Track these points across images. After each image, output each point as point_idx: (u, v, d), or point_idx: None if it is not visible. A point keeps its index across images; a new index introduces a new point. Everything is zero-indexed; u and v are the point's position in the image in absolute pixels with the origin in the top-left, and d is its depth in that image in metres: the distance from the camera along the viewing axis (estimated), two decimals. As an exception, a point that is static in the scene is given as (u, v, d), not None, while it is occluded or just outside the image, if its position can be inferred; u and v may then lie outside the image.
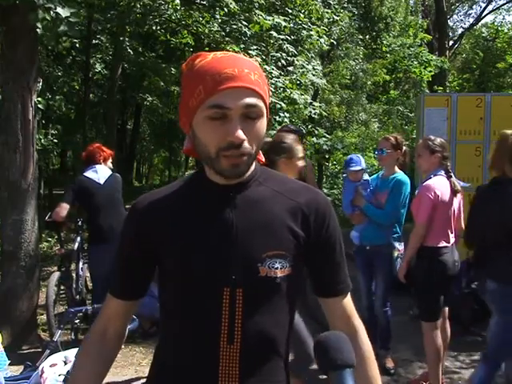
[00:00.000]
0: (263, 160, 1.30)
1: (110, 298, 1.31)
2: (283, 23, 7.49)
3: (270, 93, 1.32)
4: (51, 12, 3.89)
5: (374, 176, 4.40)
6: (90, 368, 1.27)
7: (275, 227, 1.21)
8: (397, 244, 4.06)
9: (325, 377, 1.08)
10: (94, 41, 11.05)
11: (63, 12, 3.96)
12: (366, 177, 4.28)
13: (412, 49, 15.24)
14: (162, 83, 11.74)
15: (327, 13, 9.45)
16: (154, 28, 9.45)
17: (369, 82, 17.60)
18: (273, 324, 1.21)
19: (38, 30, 3.91)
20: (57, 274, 4.67)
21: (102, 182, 4.56)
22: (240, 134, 1.11)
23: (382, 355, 4.14)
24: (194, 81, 1.15)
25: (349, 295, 1.33)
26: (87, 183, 4.55)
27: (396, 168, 4.08)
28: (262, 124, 1.17)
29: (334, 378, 1.00)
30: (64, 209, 4.45)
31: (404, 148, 4.09)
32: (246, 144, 1.13)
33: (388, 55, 15.97)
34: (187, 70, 1.19)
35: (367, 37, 16.23)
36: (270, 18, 7.45)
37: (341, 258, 1.31)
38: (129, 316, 1.34)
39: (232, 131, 1.11)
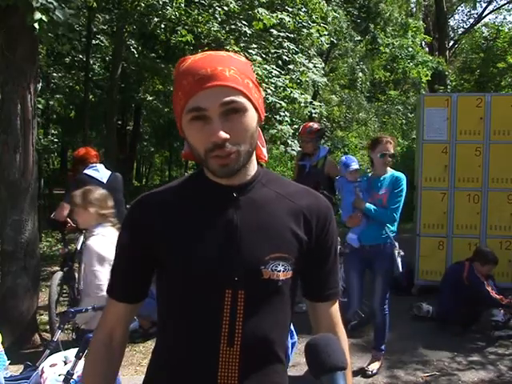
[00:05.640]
0: (266, 159, 1.29)
1: (112, 303, 1.28)
2: (287, 18, 7.46)
3: (268, 90, 1.31)
4: (50, 13, 3.89)
5: (364, 177, 4.31)
6: (101, 378, 1.26)
7: (278, 230, 1.20)
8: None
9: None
10: (94, 41, 11.04)
11: (61, 14, 3.96)
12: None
13: (410, 49, 15.18)
14: (161, 85, 11.71)
15: (329, 12, 9.42)
16: (153, 26, 9.42)
17: (368, 82, 17.57)
18: (273, 326, 1.21)
19: (35, 31, 3.90)
20: (59, 274, 4.67)
21: (104, 180, 4.58)
22: (221, 133, 1.10)
23: (373, 356, 4.13)
24: (176, 87, 1.17)
25: (337, 303, 1.33)
26: (88, 181, 4.54)
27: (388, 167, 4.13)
28: (248, 119, 1.15)
29: (325, 381, 0.98)
30: (65, 209, 4.52)
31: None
32: (229, 142, 1.12)
33: (387, 55, 15.95)
34: (174, 75, 1.21)
35: (366, 37, 16.19)
36: (274, 15, 7.42)
37: (335, 262, 1.31)
38: (131, 319, 1.32)
39: (213, 131, 1.11)
